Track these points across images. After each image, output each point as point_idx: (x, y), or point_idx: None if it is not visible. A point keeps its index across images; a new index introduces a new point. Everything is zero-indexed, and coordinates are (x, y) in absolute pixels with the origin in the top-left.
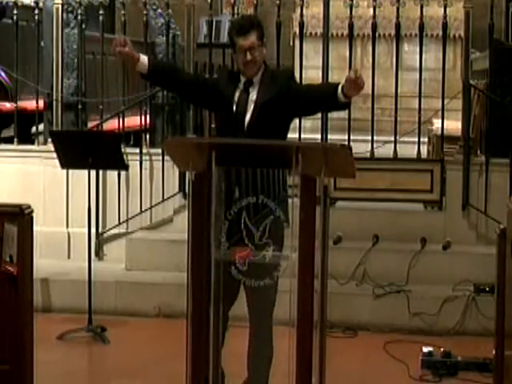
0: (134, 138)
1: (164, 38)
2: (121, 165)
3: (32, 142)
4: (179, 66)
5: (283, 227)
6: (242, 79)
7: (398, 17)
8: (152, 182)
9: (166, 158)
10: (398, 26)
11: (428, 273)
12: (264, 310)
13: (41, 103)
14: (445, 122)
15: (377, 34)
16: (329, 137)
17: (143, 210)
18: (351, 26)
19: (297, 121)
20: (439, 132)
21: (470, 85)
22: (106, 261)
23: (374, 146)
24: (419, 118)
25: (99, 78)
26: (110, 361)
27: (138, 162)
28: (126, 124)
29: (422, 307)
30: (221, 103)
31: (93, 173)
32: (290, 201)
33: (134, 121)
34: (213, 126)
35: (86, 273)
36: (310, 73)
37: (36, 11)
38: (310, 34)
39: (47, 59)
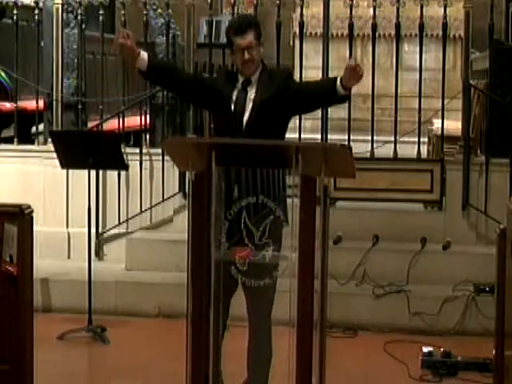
0: (134, 138)
1: (164, 37)
2: (121, 165)
3: (32, 142)
4: (178, 66)
5: (282, 227)
6: (240, 78)
7: (397, 17)
8: (152, 182)
9: (166, 157)
10: (398, 26)
11: (428, 273)
12: (263, 310)
13: (41, 103)
14: (445, 122)
15: (377, 34)
16: (329, 137)
17: (143, 210)
18: (351, 26)
19: (297, 121)
20: (439, 132)
21: (470, 85)
22: (106, 261)
23: (374, 145)
24: (419, 118)
25: (99, 78)
26: (110, 361)
27: (138, 162)
28: (126, 124)
29: (422, 307)
30: (219, 102)
31: (93, 173)
32: (289, 201)
33: (134, 121)
34: (212, 126)
35: (86, 273)
36: (310, 73)
37: (36, 11)
38: (310, 33)
39: (47, 59)
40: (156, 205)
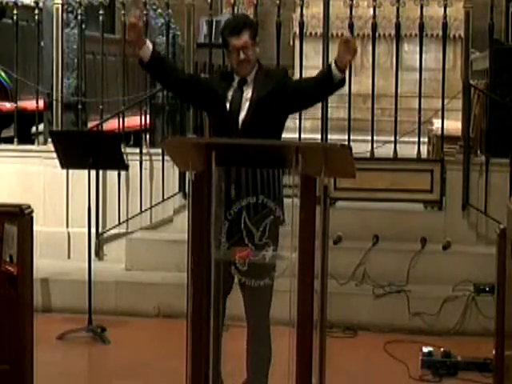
0: (134, 138)
1: (164, 37)
2: (121, 165)
3: (32, 142)
4: (178, 66)
5: (279, 226)
6: (236, 78)
7: (397, 17)
8: (152, 182)
9: (166, 157)
10: (398, 26)
11: (428, 273)
12: (262, 310)
13: (41, 103)
14: (445, 122)
15: (377, 34)
16: (329, 137)
17: (143, 210)
18: (351, 26)
19: (297, 121)
20: (439, 132)
21: (469, 85)
22: (106, 261)
23: (374, 145)
24: (419, 118)
25: (99, 78)
26: (110, 361)
27: (138, 162)
28: (126, 124)
29: (422, 307)
30: (214, 102)
31: (93, 173)
32: (289, 200)
33: (134, 121)
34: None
35: (86, 273)
36: (310, 73)
37: (36, 11)
38: (310, 33)
39: (47, 59)
40: (156, 205)
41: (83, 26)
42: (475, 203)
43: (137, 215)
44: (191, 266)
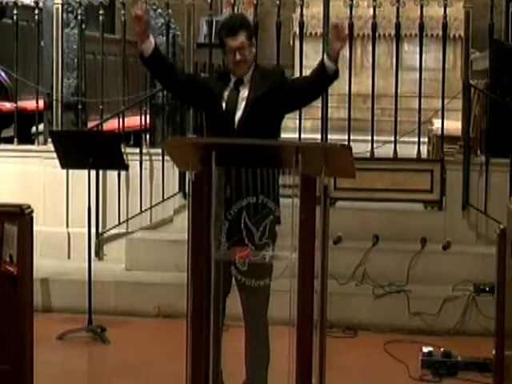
0: (134, 138)
1: (164, 37)
2: (121, 165)
3: (32, 142)
4: (178, 65)
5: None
6: (233, 78)
7: (397, 17)
8: (152, 181)
9: (166, 157)
10: (398, 26)
11: (428, 273)
12: (261, 309)
13: (41, 103)
14: (445, 122)
15: (377, 34)
16: (329, 137)
17: (143, 210)
18: (351, 26)
19: (297, 121)
20: (439, 132)
21: (469, 85)
22: (106, 261)
23: (374, 145)
24: (419, 118)
25: (99, 78)
26: (110, 361)
27: (138, 162)
28: (126, 124)
29: (422, 307)
30: (211, 101)
31: (93, 173)
32: (289, 200)
33: (134, 121)
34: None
35: (86, 273)
36: None
37: (36, 11)
38: (310, 33)
39: (47, 59)
40: (156, 205)
41: (83, 26)
42: (475, 203)
43: (137, 215)
44: (191, 266)
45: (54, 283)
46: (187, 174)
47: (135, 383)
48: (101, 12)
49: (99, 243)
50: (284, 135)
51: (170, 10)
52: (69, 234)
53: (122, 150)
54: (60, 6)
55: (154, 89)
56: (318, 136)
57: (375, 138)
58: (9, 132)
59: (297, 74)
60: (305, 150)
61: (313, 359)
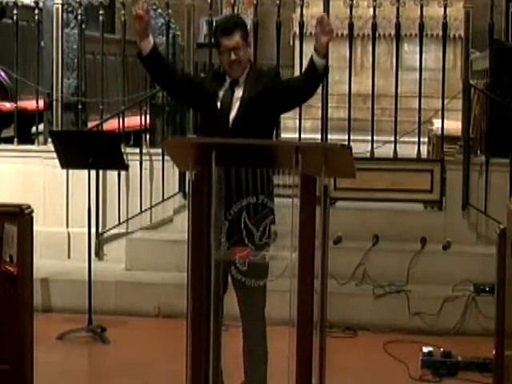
0: (134, 138)
1: (164, 37)
2: (121, 165)
3: (32, 142)
4: (178, 66)
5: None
6: (228, 79)
7: (397, 17)
8: (152, 181)
9: (166, 158)
10: (398, 26)
11: (428, 273)
12: (259, 309)
13: (41, 103)
14: (445, 122)
15: (377, 34)
16: (329, 137)
17: (143, 210)
18: (351, 26)
19: (297, 121)
20: (439, 132)
21: (469, 85)
22: (106, 261)
23: (374, 145)
24: (419, 118)
25: (99, 78)
26: (109, 361)
27: (138, 162)
28: (126, 124)
29: (422, 307)
30: (206, 101)
31: (93, 173)
32: (289, 200)
33: (134, 121)
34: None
35: (86, 273)
36: None
37: (36, 11)
38: (310, 33)
39: (47, 59)
40: (156, 205)
41: (83, 26)
42: (475, 203)
43: (137, 215)
44: (191, 266)
45: (53, 283)
46: (187, 173)
47: (135, 383)
48: (101, 12)
49: (99, 243)
50: (284, 135)
51: (169, 10)
52: (69, 234)
53: (122, 150)
54: (60, 6)
55: (153, 89)
56: (318, 136)
57: (375, 137)
58: (9, 132)
59: (297, 74)
60: (305, 150)
61: (313, 359)
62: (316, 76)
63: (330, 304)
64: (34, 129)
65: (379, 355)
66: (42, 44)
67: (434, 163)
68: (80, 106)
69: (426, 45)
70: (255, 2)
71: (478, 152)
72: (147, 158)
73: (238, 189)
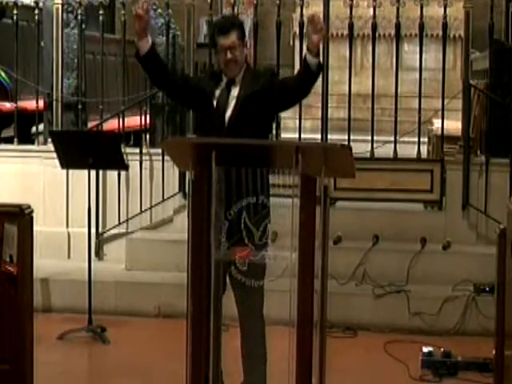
0: (134, 138)
1: (164, 37)
2: (121, 165)
3: (32, 142)
4: (171, 66)
5: None
6: (224, 79)
7: (397, 17)
8: (152, 181)
9: (166, 158)
10: (398, 26)
11: (428, 273)
12: (258, 309)
13: (41, 103)
14: (445, 122)
15: (377, 34)
16: (329, 137)
17: (143, 210)
18: (351, 26)
19: (297, 121)
20: (439, 132)
21: (469, 85)
22: (106, 261)
23: (374, 145)
24: (419, 118)
25: (99, 78)
26: (109, 361)
27: (138, 162)
28: (126, 124)
29: (422, 307)
30: (202, 100)
31: (93, 173)
32: (289, 200)
33: (134, 121)
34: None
35: (86, 273)
36: None
37: (36, 11)
38: None
39: (47, 59)
40: (156, 205)
41: (83, 26)
42: (475, 203)
43: (137, 215)
44: (191, 266)
45: (53, 283)
46: (187, 173)
47: (135, 383)
48: (101, 12)
49: (99, 243)
50: (284, 135)
51: (170, 10)
52: (69, 234)
53: (122, 150)
54: (60, 6)
55: (153, 89)
56: (318, 136)
57: (375, 137)
58: (9, 132)
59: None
60: (305, 149)
61: (313, 359)
62: (310, 75)
63: (330, 304)
64: (34, 129)
65: (379, 355)
66: (42, 44)
67: (433, 163)
68: (80, 106)
69: (425, 45)
70: (255, 1)
71: (478, 152)
72: (147, 157)
73: (238, 189)
